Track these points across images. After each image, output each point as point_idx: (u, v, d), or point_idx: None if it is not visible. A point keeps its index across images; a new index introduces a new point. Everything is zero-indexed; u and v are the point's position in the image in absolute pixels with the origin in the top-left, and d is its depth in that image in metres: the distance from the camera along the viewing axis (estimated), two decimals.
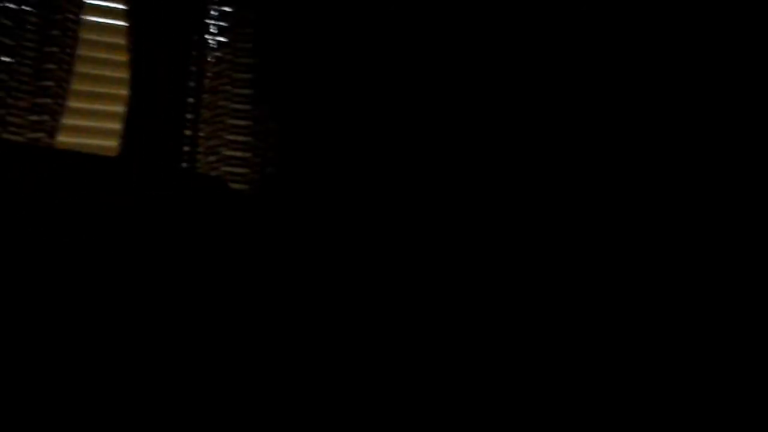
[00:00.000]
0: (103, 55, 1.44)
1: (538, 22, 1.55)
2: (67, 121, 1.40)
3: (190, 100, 1.39)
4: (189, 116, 1.38)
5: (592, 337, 1.52)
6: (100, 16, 1.44)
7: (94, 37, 1.44)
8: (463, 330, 1.48)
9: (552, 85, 1.56)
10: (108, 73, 1.44)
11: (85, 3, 1.39)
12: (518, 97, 1.55)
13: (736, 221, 1.53)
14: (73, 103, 1.41)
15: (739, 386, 1.48)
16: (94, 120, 1.43)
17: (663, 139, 1.55)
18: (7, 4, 1.32)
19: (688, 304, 1.53)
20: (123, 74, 1.44)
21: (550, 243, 1.54)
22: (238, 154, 1.39)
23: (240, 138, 1.40)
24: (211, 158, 1.39)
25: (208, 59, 1.43)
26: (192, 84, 1.40)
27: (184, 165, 1.37)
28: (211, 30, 1.43)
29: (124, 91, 1.44)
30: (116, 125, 1.43)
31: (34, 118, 1.33)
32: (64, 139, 1.39)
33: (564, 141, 1.55)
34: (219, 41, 1.43)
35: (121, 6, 1.44)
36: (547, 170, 1.55)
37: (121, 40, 1.44)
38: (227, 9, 1.43)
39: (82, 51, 1.43)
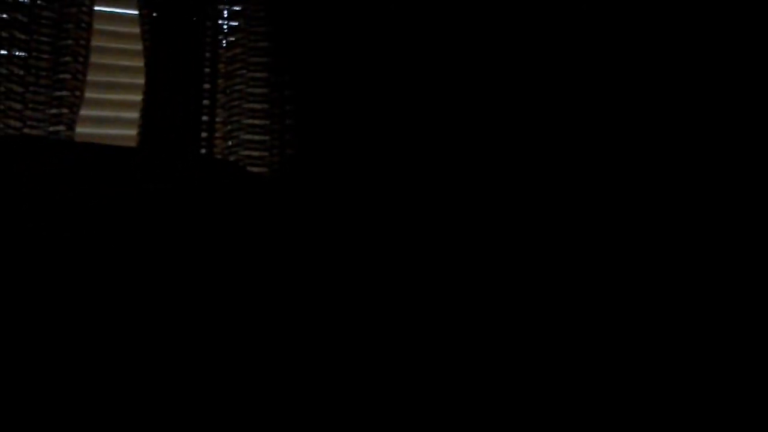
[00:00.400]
0: (118, 45, 1.44)
1: (538, 22, 1.53)
2: (86, 112, 1.41)
3: (206, 85, 1.39)
4: (205, 102, 1.38)
5: (592, 337, 1.51)
6: (113, 6, 1.44)
7: (108, 27, 1.44)
8: (467, 328, 1.47)
9: (552, 85, 1.54)
10: (123, 62, 1.45)
11: None
12: (533, 97, 1.53)
13: (736, 221, 1.51)
14: (91, 94, 1.41)
15: (739, 386, 1.47)
16: (112, 110, 1.43)
17: (663, 139, 1.53)
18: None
19: (688, 304, 1.51)
20: (138, 63, 1.44)
21: (552, 243, 1.52)
22: (256, 137, 1.39)
23: (257, 122, 1.39)
24: (229, 143, 1.39)
25: (223, 44, 1.42)
26: (207, 70, 1.40)
27: (203, 151, 1.37)
28: (225, 15, 1.42)
29: (140, 80, 1.45)
30: (134, 114, 1.44)
31: (53, 111, 1.34)
32: (83, 130, 1.40)
33: (564, 141, 1.54)
34: (233, 26, 1.42)
35: None
36: (552, 170, 1.54)
37: (135, 29, 1.45)
38: None
39: (96, 41, 1.43)
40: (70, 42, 1.36)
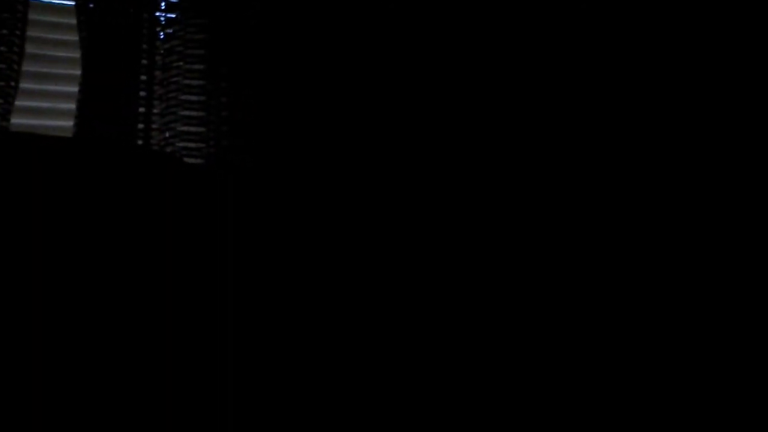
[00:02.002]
0: (54, 36, 1.44)
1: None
2: (21, 102, 1.41)
3: (143, 77, 1.40)
4: (142, 93, 1.39)
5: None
6: None
7: (44, 17, 1.44)
8: (456, 328, 1.50)
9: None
10: (60, 53, 1.45)
11: None
12: (492, 94, 1.56)
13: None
14: (27, 85, 1.41)
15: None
16: (47, 101, 1.43)
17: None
18: None
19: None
20: (75, 54, 1.45)
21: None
22: (193, 129, 1.40)
23: (194, 113, 1.41)
24: (166, 134, 1.40)
25: (160, 36, 1.43)
26: (144, 61, 1.41)
27: (140, 142, 1.38)
28: (162, 6, 1.43)
29: (77, 71, 1.45)
30: (71, 105, 1.44)
31: None
32: (18, 120, 1.40)
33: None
34: (170, 18, 1.43)
35: None
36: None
37: (71, 20, 1.45)
38: None
39: (32, 32, 1.43)
40: (5, 32, 1.35)
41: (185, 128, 1.41)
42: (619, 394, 1.51)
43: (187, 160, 1.41)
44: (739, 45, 1.55)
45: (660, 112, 1.57)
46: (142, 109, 1.39)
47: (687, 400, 1.50)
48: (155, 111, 1.41)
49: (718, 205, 1.55)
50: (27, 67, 1.41)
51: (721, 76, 1.56)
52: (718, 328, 1.53)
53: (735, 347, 1.52)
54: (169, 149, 1.40)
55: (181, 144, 1.40)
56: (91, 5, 1.38)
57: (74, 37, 1.44)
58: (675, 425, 1.50)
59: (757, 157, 1.54)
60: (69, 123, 1.44)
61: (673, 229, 1.56)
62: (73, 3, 1.41)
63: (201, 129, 1.41)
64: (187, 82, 1.41)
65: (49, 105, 1.44)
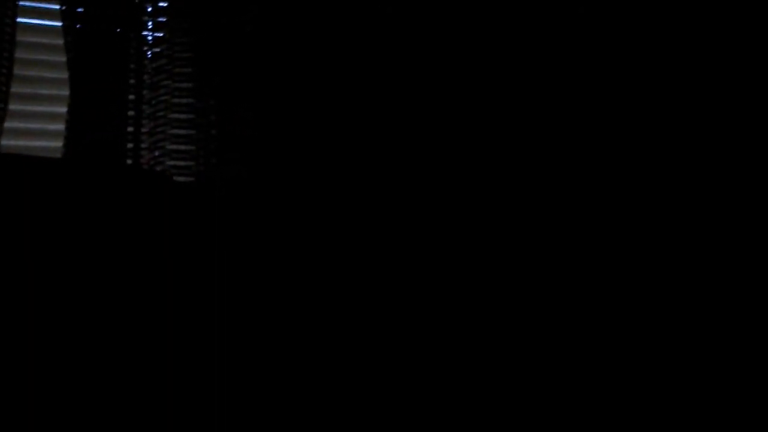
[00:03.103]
0: (42, 57, 1.45)
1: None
2: (10, 124, 1.41)
3: (131, 96, 1.41)
4: (131, 113, 1.40)
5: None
6: (36, 18, 1.45)
7: (31, 39, 1.45)
8: (448, 330, 1.51)
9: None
10: (48, 74, 1.45)
11: (18, 5, 1.39)
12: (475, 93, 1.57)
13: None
14: (15, 106, 1.42)
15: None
16: (36, 122, 1.44)
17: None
18: None
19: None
20: (63, 75, 1.45)
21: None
22: (182, 147, 1.41)
23: (182, 132, 1.42)
24: (155, 153, 1.41)
25: (147, 55, 1.44)
26: (132, 81, 1.41)
27: (129, 161, 1.39)
28: (149, 26, 1.44)
29: (65, 92, 1.45)
30: (59, 126, 1.45)
31: None
32: (8, 142, 1.41)
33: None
34: (157, 37, 1.44)
35: (56, 6, 1.45)
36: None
37: (59, 41, 1.45)
38: (163, 4, 1.44)
39: (20, 54, 1.43)
40: None
41: (174, 147, 1.42)
42: (619, 394, 1.52)
43: (177, 178, 1.42)
44: (739, 45, 1.56)
45: (660, 112, 1.58)
46: (130, 129, 1.40)
47: (687, 400, 1.51)
48: (144, 130, 1.42)
49: (718, 205, 1.56)
50: (15, 88, 1.42)
51: (721, 76, 1.57)
52: (718, 328, 1.54)
53: (735, 347, 1.53)
54: (158, 168, 1.41)
55: (171, 162, 1.41)
56: (78, 26, 1.39)
57: (61, 58, 1.45)
58: (675, 425, 1.51)
59: (757, 157, 1.55)
60: (58, 144, 1.45)
61: (673, 229, 1.57)
62: (59, 24, 1.42)
63: (190, 147, 1.41)
64: (175, 100, 1.42)
65: (38, 126, 1.44)
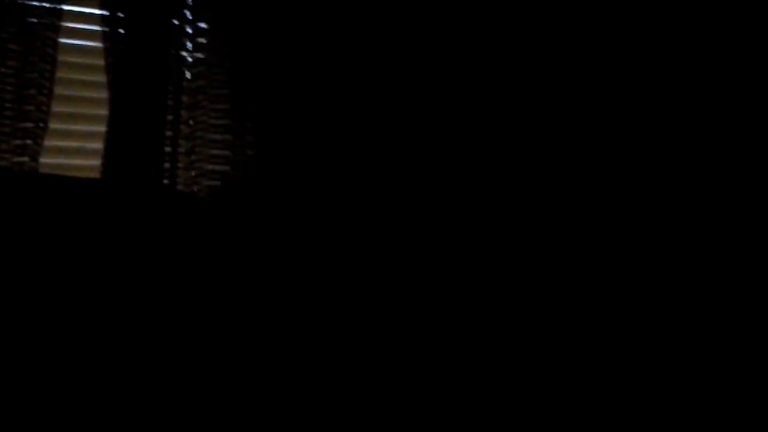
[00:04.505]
0: (82, 77, 1.47)
1: (537, 22, 1.57)
2: (50, 142, 1.43)
3: (169, 117, 1.42)
4: (168, 133, 1.41)
5: (592, 337, 1.53)
6: (77, 39, 1.47)
7: (72, 59, 1.47)
8: (439, 330, 1.50)
9: (552, 85, 1.57)
10: (87, 94, 1.47)
11: (62, 26, 1.41)
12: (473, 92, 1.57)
13: (736, 221, 1.53)
14: (55, 125, 1.43)
15: (739, 386, 1.48)
16: (76, 140, 1.46)
17: (663, 139, 1.56)
18: None
19: (688, 304, 1.53)
20: (102, 95, 1.47)
21: (550, 243, 1.55)
22: (218, 168, 1.42)
23: (219, 152, 1.42)
24: (192, 173, 1.41)
25: (186, 76, 1.45)
26: (170, 101, 1.43)
27: (166, 182, 1.39)
28: (188, 47, 1.45)
29: (104, 111, 1.47)
30: (98, 145, 1.46)
31: (17, 142, 1.36)
32: (47, 160, 1.42)
33: (564, 141, 1.57)
34: (195, 57, 1.45)
35: (97, 28, 1.47)
36: (546, 170, 1.56)
37: (99, 61, 1.47)
38: (202, 25, 1.45)
39: (61, 73, 1.45)
40: (35, 75, 1.38)
41: (211, 167, 1.42)
42: (619, 394, 1.50)
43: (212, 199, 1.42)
44: (739, 45, 1.55)
45: (660, 112, 1.57)
46: (168, 149, 1.41)
47: (687, 400, 1.49)
48: (181, 150, 1.43)
49: (718, 205, 1.55)
50: (56, 107, 1.44)
51: (721, 76, 1.56)
52: (718, 328, 1.52)
53: (735, 347, 1.51)
54: (195, 188, 1.42)
55: (207, 183, 1.42)
56: (119, 47, 1.41)
57: (102, 78, 1.46)
58: (675, 425, 1.49)
59: (757, 157, 1.53)
60: (96, 162, 1.46)
61: (673, 229, 1.55)
62: (101, 45, 1.43)
63: (226, 168, 1.42)
64: (212, 121, 1.43)
65: (77, 144, 1.46)
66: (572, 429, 1.49)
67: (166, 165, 1.40)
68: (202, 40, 1.45)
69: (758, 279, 1.51)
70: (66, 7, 1.41)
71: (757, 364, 1.49)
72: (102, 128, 1.47)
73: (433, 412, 1.45)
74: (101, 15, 1.40)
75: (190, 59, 1.45)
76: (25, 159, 1.36)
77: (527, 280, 1.54)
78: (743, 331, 1.51)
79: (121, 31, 1.40)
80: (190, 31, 1.45)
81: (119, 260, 1.33)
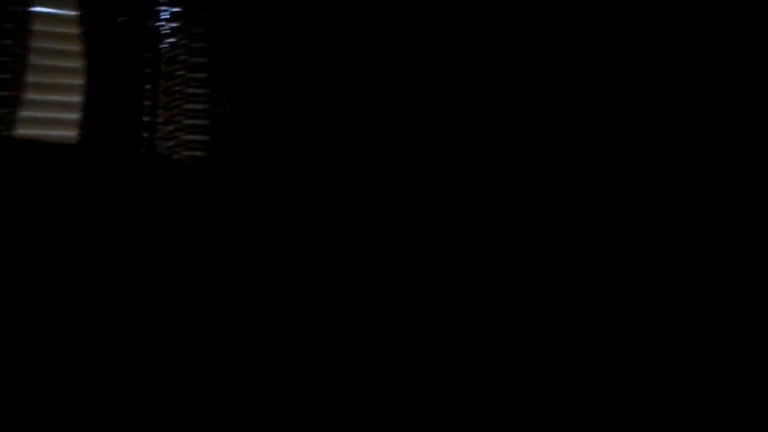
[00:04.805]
0: (58, 46, 1.45)
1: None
2: (25, 113, 1.41)
3: (147, 86, 1.41)
4: (146, 102, 1.40)
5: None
6: (51, 7, 1.45)
7: (47, 28, 1.45)
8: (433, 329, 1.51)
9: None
10: (63, 63, 1.45)
11: None
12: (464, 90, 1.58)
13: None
14: (30, 95, 1.42)
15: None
16: (51, 111, 1.44)
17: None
18: None
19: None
20: (78, 64, 1.45)
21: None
22: (197, 137, 1.41)
23: (198, 122, 1.42)
24: (170, 143, 1.41)
25: (163, 45, 1.44)
26: (148, 70, 1.41)
27: (144, 151, 1.39)
28: (164, 16, 1.44)
29: (80, 82, 1.45)
30: (74, 115, 1.45)
31: None
32: (23, 131, 1.41)
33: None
34: (172, 27, 1.44)
35: None
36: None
37: (73, 30, 1.45)
38: None
39: (35, 43, 1.43)
40: (8, 42, 1.36)
41: (189, 137, 1.42)
42: (619, 394, 1.52)
43: (191, 168, 1.42)
44: (739, 45, 1.56)
45: (660, 112, 1.58)
46: (146, 118, 1.40)
47: (687, 400, 1.52)
48: (159, 120, 1.42)
49: (717, 205, 1.56)
50: (30, 77, 1.42)
51: (721, 76, 1.57)
52: (718, 328, 1.54)
53: (735, 347, 1.53)
54: (173, 157, 1.41)
55: (186, 153, 1.41)
56: (94, 15, 1.39)
57: (77, 47, 1.45)
58: (675, 425, 1.51)
59: (757, 157, 1.55)
60: (73, 133, 1.45)
61: (673, 229, 1.57)
62: (75, 13, 1.42)
63: (205, 137, 1.42)
64: (191, 90, 1.42)
65: (53, 115, 1.44)
66: (572, 429, 1.50)
67: (144, 135, 1.39)
68: (178, 8, 1.44)
69: (758, 279, 1.53)
70: None
71: (757, 364, 1.51)
72: (78, 98, 1.45)
73: (433, 412, 1.46)
74: None
75: (166, 28, 1.44)
76: (1, 128, 1.35)
77: (527, 280, 1.55)
78: (743, 331, 1.53)
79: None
80: None
81: (99, 228, 1.33)
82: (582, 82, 1.58)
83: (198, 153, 1.42)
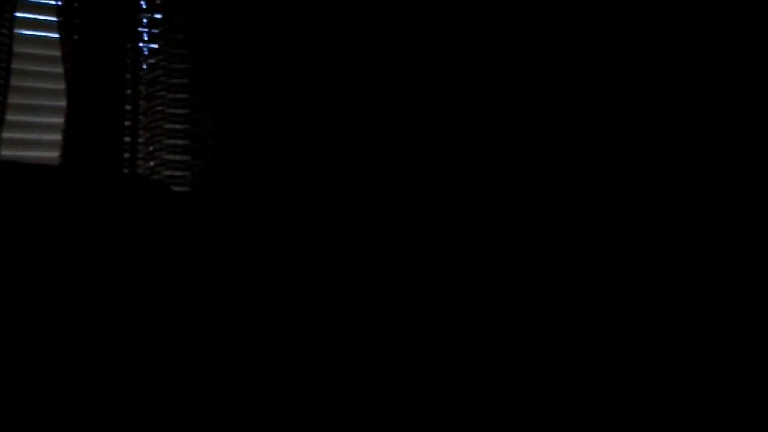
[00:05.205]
0: (39, 68, 1.46)
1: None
2: (7, 134, 1.42)
3: (128, 107, 1.42)
4: (127, 123, 1.41)
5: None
6: (33, 29, 1.46)
7: (28, 50, 1.46)
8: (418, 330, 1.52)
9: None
10: (44, 85, 1.47)
11: (16, 18, 1.40)
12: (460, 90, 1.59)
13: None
14: (12, 117, 1.43)
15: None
16: (33, 132, 1.45)
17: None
18: None
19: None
20: (60, 85, 1.47)
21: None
22: (178, 157, 1.43)
23: (179, 141, 1.43)
24: (151, 163, 1.42)
25: (143, 66, 1.46)
26: (128, 91, 1.43)
27: (125, 171, 1.40)
28: (144, 37, 1.46)
29: (62, 103, 1.47)
30: (56, 136, 1.46)
31: None
32: (5, 152, 1.42)
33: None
34: (151, 48, 1.46)
35: (52, 18, 1.46)
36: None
37: (56, 52, 1.47)
38: (158, 16, 1.46)
39: (17, 65, 1.45)
40: None
41: (170, 156, 1.43)
42: (619, 394, 1.52)
43: (172, 188, 1.43)
44: (739, 45, 1.57)
45: (660, 112, 1.58)
46: (127, 139, 1.42)
47: (687, 400, 1.52)
48: (140, 140, 1.43)
49: (718, 205, 1.56)
50: (12, 99, 1.43)
51: (721, 76, 1.57)
52: (718, 328, 1.54)
53: (735, 347, 1.53)
54: (155, 177, 1.43)
55: (167, 172, 1.42)
56: (75, 37, 1.40)
57: (58, 69, 1.46)
58: (675, 425, 1.51)
59: (757, 157, 1.55)
60: (55, 154, 1.46)
61: (673, 229, 1.57)
62: (57, 36, 1.43)
63: (186, 157, 1.43)
64: (171, 110, 1.44)
65: (35, 137, 1.46)
66: (572, 429, 1.50)
67: (126, 155, 1.40)
68: (157, 30, 1.46)
69: (758, 279, 1.53)
70: None
71: (757, 364, 1.51)
72: (60, 119, 1.47)
73: (433, 411, 1.47)
74: (57, 5, 1.40)
75: (146, 49, 1.45)
76: None
77: (526, 280, 1.55)
78: (743, 331, 1.53)
79: (77, 21, 1.40)
80: (145, 20, 1.45)
81: (79, 248, 1.34)
82: (582, 82, 1.58)
83: (179, 173, 1.43)
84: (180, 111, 1.44)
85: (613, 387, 1.53)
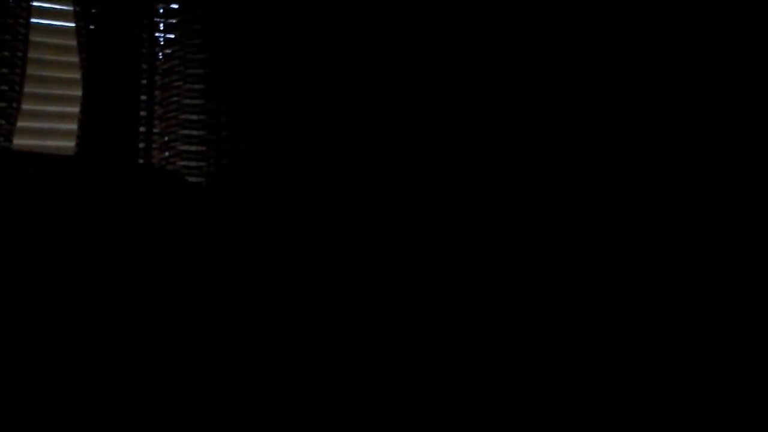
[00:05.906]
0: (55, 57, 1.46)
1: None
2: (23, 123, 1.43)
3: (143, 97, 1.42)
4: (142, 113, 1.41)
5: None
6: (50, 19, 1.46)
7: (45, 39, 1.46)
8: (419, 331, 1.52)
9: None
10: (61, 74, 1.47)
11: (32, 6, 1.40)
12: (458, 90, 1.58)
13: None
14: (28, 106, 1.43)
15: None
16: (49, 122, 1.45)
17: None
18: None
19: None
20: (76, 75, 1.46)
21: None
22: (193, 148, 1.43)
23: (194, 132, 1.43)
24: (166, 153, 1.42)
25: (159, 56, 1.45)
26: (144, 81, 1.43)
27: (140, 161, 1.40)
28: (160, 27, 1.45)
29: (77, 92, 1.47)
30: (72, 126, 1.46)
31: None
32: (20, 141, 1.42)
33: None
34: (168, 38, 1.45)
35: (69, 8, 1.46)
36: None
37: (72, 42, 1.46)
38: (174, 6, 1.45)
39: (33, 54, 1.45)
40: (6, 54, 1.37)
41: (185, 147, 1.43)
42: (619, 394, 1.52)
43: (187, 178, 1.43)
44: (739, 45, 1.56)
45: (660, 112, 1.58)
46: (142, 129, 1.41)
47: (687, 401, 1.52)
48: (155, 130, 1.43)
49: (717, 206, 1.56)
50: (28, 88, 1.43)
51: (721, 76, 1.57)
52: (718, 328, 1.54)
53: (735, 347, 1.53)
54: (169, 168, 1.42)
55: (182, 163, 1.42)
56: (91, 27, 1.40)
57: (74, 59, 1.46)
58: (675, 425, 1.51)
59: (757, 157, 1.55)
60: (70, 143, 1.46)
61: (673, 230, 1.57)
62: (73, 25, 1.43)
63: (201, 148, 1.43)
64: (187, 101, 1.44)
65: (51, 126, 1.46)
66: (572, 429, 1.50)
67: (141, 145, 1.40)
68: (174, 19, 1.45)
69: (758, 279, 1.52)
70: None
71: (757, 364, 1.50)
72: (75, 109, 1.47)
73: (433, 411, 1.47)
74: None
75: (162, 39, 1.45)
76: None
77: (525, 280, 1.55)
78: (743, 331, 1.53)
79: (94, 11, 1.40)
80: (162, 10, 1.45)
81: (95, 238, 1.34)
82: (582, 82, 1.58)
83: (194, 163, 1.43)
84: (196, 101, 1.43)
85: (613, 387, 1.52)
